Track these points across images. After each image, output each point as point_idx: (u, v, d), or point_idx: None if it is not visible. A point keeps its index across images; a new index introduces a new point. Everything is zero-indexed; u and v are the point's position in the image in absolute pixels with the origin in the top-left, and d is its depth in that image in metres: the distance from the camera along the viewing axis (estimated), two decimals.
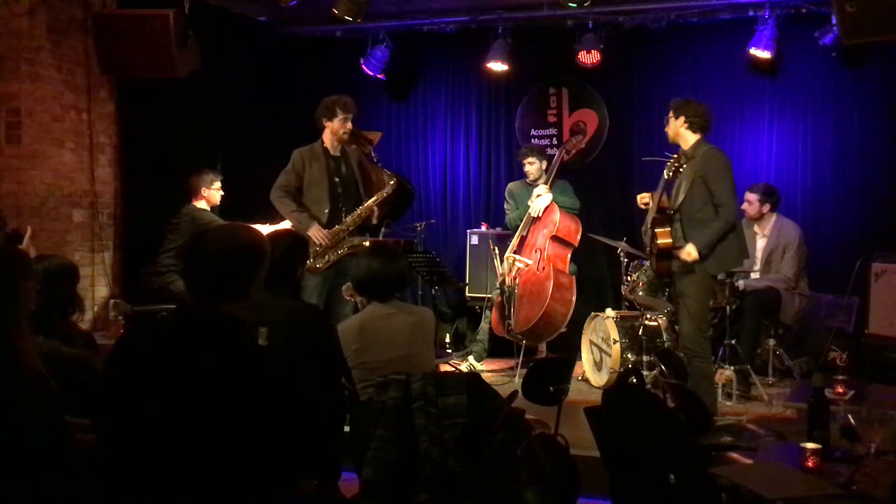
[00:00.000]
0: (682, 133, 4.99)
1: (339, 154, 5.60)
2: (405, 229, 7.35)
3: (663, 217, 5.01)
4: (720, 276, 5.51)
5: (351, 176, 5.64)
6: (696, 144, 4.95)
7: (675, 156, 4.92)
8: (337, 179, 5.56)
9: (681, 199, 4.92)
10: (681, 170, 4.87)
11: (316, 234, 5.39)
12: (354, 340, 3.55)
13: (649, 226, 5.06)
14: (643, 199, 5.25)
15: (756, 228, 6.40)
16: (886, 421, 2.81)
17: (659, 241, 4.96)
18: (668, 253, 4.95)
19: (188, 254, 2.26)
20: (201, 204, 6.03)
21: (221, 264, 2.19)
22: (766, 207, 6.35)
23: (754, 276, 6.27)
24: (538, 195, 6.53)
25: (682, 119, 4.97)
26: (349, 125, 5.53)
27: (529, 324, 6.26)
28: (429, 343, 3.78)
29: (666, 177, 4.96)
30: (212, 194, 6.06)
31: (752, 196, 6.37)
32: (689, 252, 4.83)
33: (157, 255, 5.92)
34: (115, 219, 6.47)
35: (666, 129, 5.09)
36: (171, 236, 5.91)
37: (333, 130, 5.54)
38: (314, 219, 5.46)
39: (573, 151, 7.27)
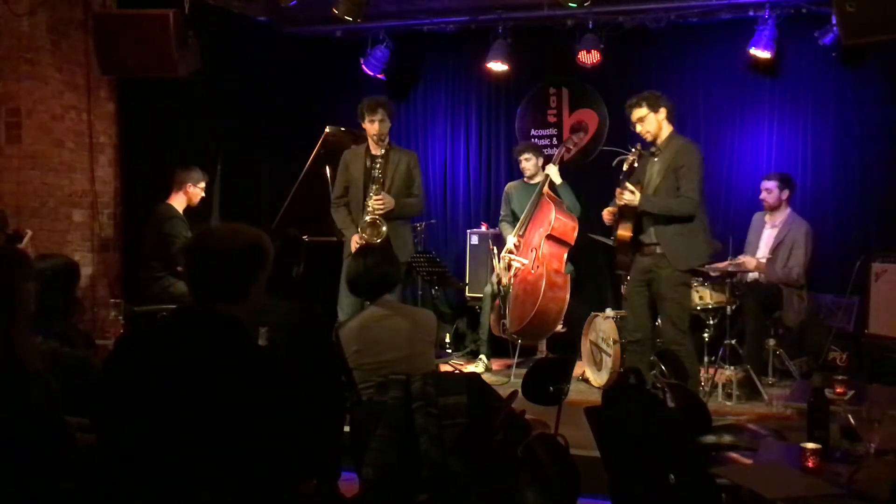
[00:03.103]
0: (663, 126, 5.03)
1: (382, 152, 5.58)
2: None
3: (628, 210, 5.05)
4: (719, 276, 5.52)
5: (387, 175, 5.60)
6: (669, 137, 5.02)
7: (634, 150, 4.95)
8: (374, 175, 5.53)
9: (651, 192, 4.95)
10: (635, 164, 4.91)
11: (353, 243, 5.42)
12: (354, 341, 3.55)
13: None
14: (611, 212, 5.26)
15: (767, 218, 6.37)
16: (886, 421, 2.81)
17: (618, 234, 5.06)
18: (626, 246, 5.02)
19: (190, 253, 2.25)
20: (179, 201, 5.96)
21: (223, 264, 2.19)
22: (786, 193, 6.29)
23: (761, 255, 6.24)
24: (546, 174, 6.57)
25: (663, 112, 5.01)
26: (377, 126, 5.53)
27: (523, 323, 6.26)
28: (429, 344, 3.77)
29: (624, 169, 5.01)
30: (195, 192, 6.00)
31: (770, 184, 6.30)
32: (634, 192, 4.86)
33: (148, 260, 5.82)
34: (115, 219, 6.46)
35: (641, 127, 5.03)
36: (151, 240, 5.83)
37: (367, 132, 5.62)
38: (355, 224, 5.53)
39: (573, 150, 7.27)
